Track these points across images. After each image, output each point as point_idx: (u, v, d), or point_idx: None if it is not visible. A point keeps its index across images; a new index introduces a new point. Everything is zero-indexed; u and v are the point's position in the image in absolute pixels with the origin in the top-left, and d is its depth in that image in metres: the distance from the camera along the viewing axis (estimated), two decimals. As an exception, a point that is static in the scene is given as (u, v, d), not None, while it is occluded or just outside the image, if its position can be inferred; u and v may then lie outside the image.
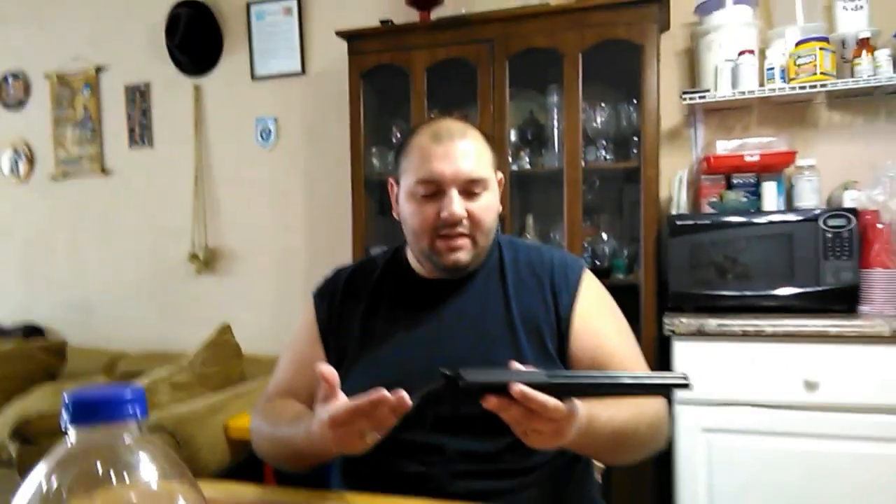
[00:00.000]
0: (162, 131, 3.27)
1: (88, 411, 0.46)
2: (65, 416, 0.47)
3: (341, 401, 0.86)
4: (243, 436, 2.26)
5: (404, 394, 0.81)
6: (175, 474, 0.50)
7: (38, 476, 0.47)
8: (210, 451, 2.15)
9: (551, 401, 0.77)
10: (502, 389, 0.77)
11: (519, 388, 0.76)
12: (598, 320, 1.12)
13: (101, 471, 0.46)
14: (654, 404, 1.03)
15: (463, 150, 1.07)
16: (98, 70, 3.34)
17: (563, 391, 0.79)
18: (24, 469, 1.96)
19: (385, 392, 0.81)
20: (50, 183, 3.46)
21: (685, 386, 0.81)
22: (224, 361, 2.54)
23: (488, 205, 1.10)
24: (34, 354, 2.99)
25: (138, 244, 3.32)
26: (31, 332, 3.40)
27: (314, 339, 1.18)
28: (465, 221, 1.07)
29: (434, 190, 1.08)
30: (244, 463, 2.28)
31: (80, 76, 3.37)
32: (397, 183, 1.15)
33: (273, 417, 1.10)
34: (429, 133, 1.10)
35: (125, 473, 0.47)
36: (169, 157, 3.24)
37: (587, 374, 0.93)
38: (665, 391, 0.86)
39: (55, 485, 0.46)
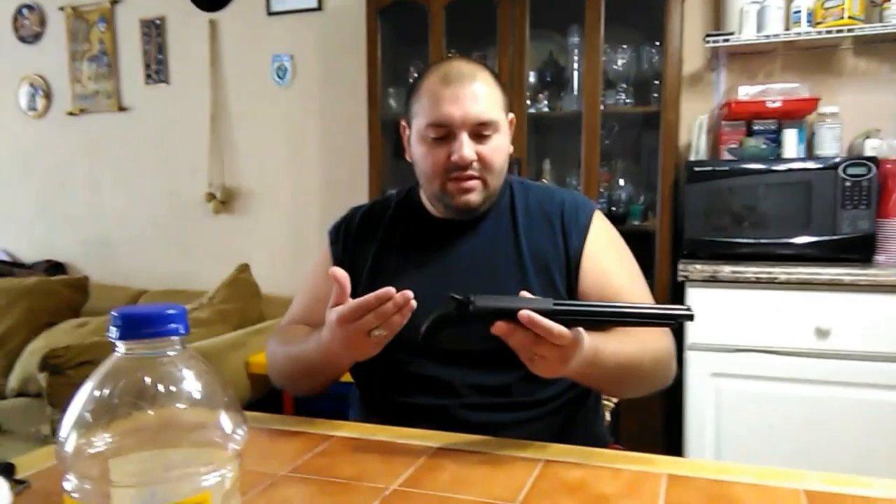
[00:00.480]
0: (178, 68, 3.25)
1: (135, 326, 0.49)
2: (113, 331, 0.50)
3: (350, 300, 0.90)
4: (263, 371, 2.33)
5: (409, 293, 0.85)
6: (216, 389, 0.53)
7: (91, 385, 0.50)
8: (231, 385, 2.22)
9: (557, 326, 0.80)
10: (510, 315, 0.80)
11: (526, 313, 0.79)
12: (606, 259, 1.13)
13: (148, 382, 0.50)
14: (660, 340, 1.04)
15: (472, 93, 1.07)
16: (113, 3, 3.31)
17: (568, 319, 0.81)
18: (53, 399, 2.05)
19: (390, 288, 0.85)
20: (67, 118, 3.47)
21: (689, 317, 0.83)
22: (243, 300, 2.60)
23: (498, 146, 1.11)
24: (57, 290, 3.05)
25: (156, 183, 3.35)
26: (53, 267, 3.48)
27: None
28: (475, 164, 1.08)
29: (444, 133, 1.08)
30: (264, 398, 2.36)
31: (94, 9, 3.34)
32: (409, 125, 1.16)
33: (288, 338, 1.14)
34: (439, 75, 1.10)
35: (171, 386, 0.51)
36: (185, 95, 3.23)
37: (592, 303, 0.95)
38: (669, 322, 0.87)
39: (106, 392, 0.50)
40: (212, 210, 3.19)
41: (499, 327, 0.81)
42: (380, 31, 2.49)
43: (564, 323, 0.81)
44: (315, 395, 1.13)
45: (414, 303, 0.86)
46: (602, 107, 2.27)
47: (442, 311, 0.86)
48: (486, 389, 1.07)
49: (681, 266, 1.95)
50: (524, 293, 0.85)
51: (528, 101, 2.37)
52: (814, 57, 2.28)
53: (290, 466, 0.85)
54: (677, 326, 0.92)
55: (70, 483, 0.49)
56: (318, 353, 0.99)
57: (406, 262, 1.16)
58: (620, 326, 0.96)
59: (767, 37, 2.12)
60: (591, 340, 0.87)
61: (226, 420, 0.53)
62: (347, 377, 1.21)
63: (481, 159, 1.09)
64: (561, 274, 1.12)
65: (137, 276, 3.36)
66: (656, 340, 1.03)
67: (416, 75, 2.59)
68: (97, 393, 0.49)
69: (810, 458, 1.83)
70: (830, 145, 2.12)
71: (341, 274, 0.92)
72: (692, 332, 1.93)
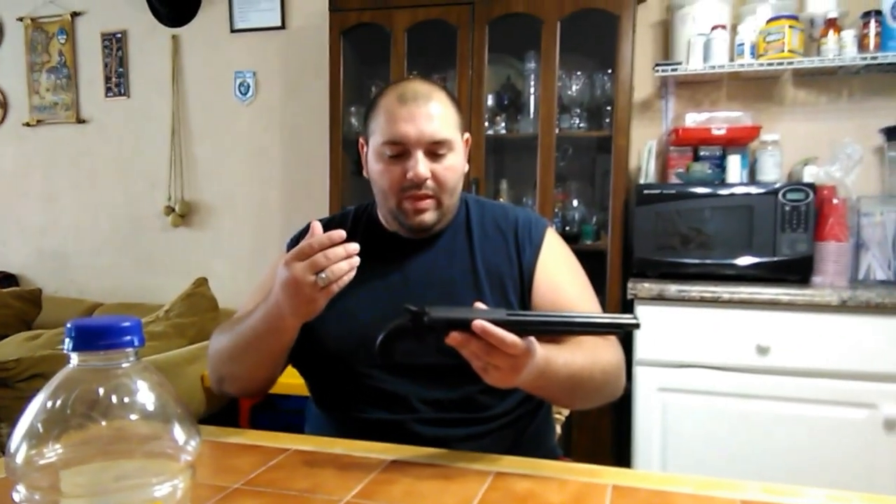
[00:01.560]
0: (139, 81, 3.23)
1: (90, 338, 0.50)
2: (67, 342, 0.51)
3: None
4: (218, 385, 2.31)
5: (342, 232, 0.90)
6: (169, 401, 0.55)
7: (43, 396, 0.51)
8: (186, 399, 2.19)
9: (509, 336, 0.82)
10: (464, 325, 0.82)
11: (480, 323, 0.81)
12: (558, 274, 1.16)
13: (101, 393, 0.51)
14: (610, 353, 1.07)
15: (428, 112, 1.09)
16: (74, 15, 3.27)
17: (521, 328, 0.84)
18: (2, 412, 2.00)
19: (341, 231, 0.90)
20: (23, 129, 3.41)
21: (636, 326, 0.86)
22: (200, 313, 2.58)
23: (452, 165, 1.12)
24: (9, 302, 2.98)
25: (114, 195, 3.31)
26: (5, 279, 3.39)
27: None
28: (429, 182, 1.10)
29: (400, 151, 1.10)
30: (220, 413, 2.34)
31: (55, 21, 3.30)
32: (367, 142, 1.18)
33: (232, 323, 1.13)
34: (395, 94, 1.12)
35: (124, 397, 0.52)
36: (146, 109, 3.21)
37: (544, 313, 0.98)
38: (617, 331, 0.90)
39: (58, 404, 0.51)
40: (170, 223, 3.16)
41: (453, 338, 0.83)
42: (342, 51, 2.52)
43: (517, 333, 0.83)
44: (256, 390, 1.13)
45: (356, 259, 0.91)
46: (557, 130, 2.33)
47: (397, 323, 0.87)
48: (441, 404, 1.09)
49: (630, 284, 2.01)
50: (478, 304, 0.87)
51: (487, 123, 2.43)
52: (757, 87, 2.39)
53: (244, 479, 0.86)
54: (623, 334, 0.95)
55: (19, 494, 0.49)
56: (264, 317, 0.99)
57: (364, 277, 1.16)
58: (571, 335, 0.98)
59: (713, 67, 2.22)
60: (543, 351, 0.89)
61: (178, 432, 0.54)
62: (304, 391, 1.22)
63: (435, 178, 1.11)
64: (515, 288, 1.14)
65: (93, 289, 3.30)
66: (606, 353, 1.06)
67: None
68: (49, 404, 0.50)
69: (750, 468, 1.90)
70: (771, 171, 2.22)
71: (317, 227, 0.94)
72: (640, 347, 1.99)
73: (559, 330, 0.90)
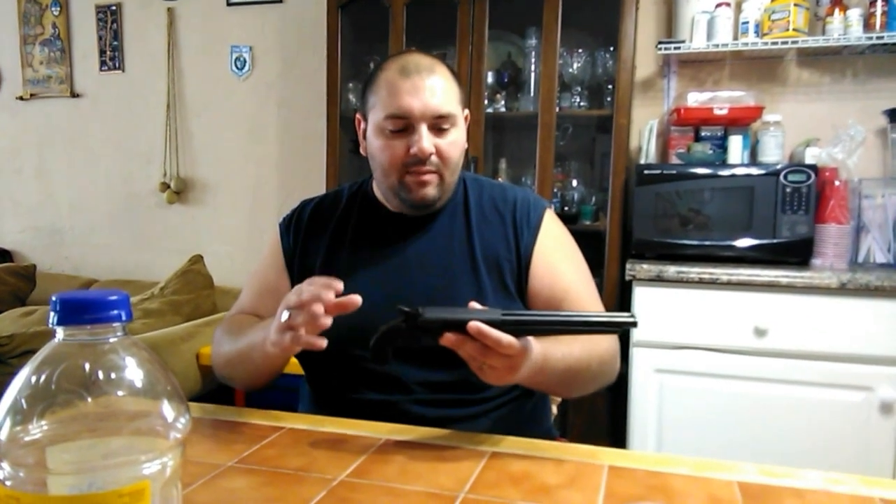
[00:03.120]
0: (134, 55, 3.19)
1: (75, 311, 0.49)
2: (52, 316, 0.50)
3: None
4: (214, 363, 2.31)
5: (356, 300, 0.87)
6: (158, 377, 0.54)
7: (28, 371, 0.50)
8: (181, 377, 2.20)
9: (505, 337, 0.81)
10: (459, 326, 0.81)
11: (475, 324, 0.80)
12: (555, 258, 1.15)
13: (88, 368, 0.50)
14: (606, 341, 1.06)
15: (431, 85, 1.07)
16: (67, -13, 3.23)
17: (516, 329, 0.82)
18: (-5, 387, 1.99)
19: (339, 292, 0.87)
20: (16, 103, 3.37)
21: (633, 325, 0.85)
22: (195, 291, 2.57)
23: (455, 141, 1.10)
24: (3, 278, 2.97)
25: (108, 171, 3.28)
26: (-1, 255, 3.38)
27: (280, 268, 1.21)
28: (433, 158, 1.08)
29: (403, 125, 1.08)
30: (215, 391, 2.34)
31: (47, -7, 3.25)
32: (365, 119, 1.15)
33: (235, 328, 1.13)
34: (396, 67, 1.09)
35: (112, 373, 0.51)
36: (141, 83, 3.17)
37: (540, 313, 0.97)
38: (614, 329, 0.89)
39: (43, 379, 0.49)
40: (165, 200, 3.14)
41: (448, 338, 0.82)
42: (340, 26, 2.48)
43: (513, 332, 0.82)
44: (256, 389, 1.12)
45: (358, 299, 0.87)
46: (557, 109, 2.31)
47: (391, 324, 0.85)
48: (437, 385, 1.08)
49: (629, 265, 2.00)
50: (473, 304, 0.86)
51: (486, 101, 2.40)
52: (760, 66, 2.37)
53: (237, 457, 0.85)
54: (621, 333, 0.94)
55: (3, 471, 0.48)
56: (255, 345, 0.99)
57: (359, 258, 1.15)
58: (567, 334, 0.97)
59: (717, 46, 2.19)
60: (539, 347, 0.88)
61: (168, 408, 0.52)
62: (298, 369, 1.21)
63: (439, 153, 1.08)
64: (511, 272, 1.13)
65: (87, 265, 3.29)
66: (603, 342, 1.05)
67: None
68: (34, 379, 0.49)
69: (746, 450, 1.90)
70: (773, 152, 2.20)
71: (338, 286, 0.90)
72: (638, 329, 1.98)
73: (555, 330, 0.88)
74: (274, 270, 1.21)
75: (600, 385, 1.09)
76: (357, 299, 0.88)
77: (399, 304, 0.85)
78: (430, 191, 1.11)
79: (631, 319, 0.85)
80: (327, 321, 0.87)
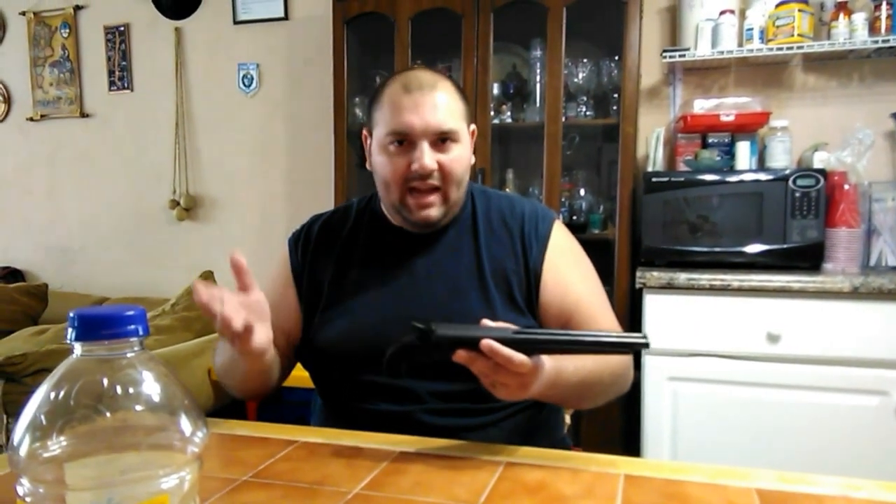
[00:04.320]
0: (142, 75, 3.22)
1: (93, 327, 0.49)
2: (70, 332, 0.50)
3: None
4: (226, 378, 2.31)
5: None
6: (175, 391, 0.54)
7: (46, 388, 0.50)
8: (194, 392, 2.19)
9: (517, 355, 0.81)
10: (472, 343, 0.81)
11: (487, 342, 0.80)
12: (565, 270, 1.14)
13: (106, 384, 0.50)
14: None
15: (433, 102, 1.07)
16: (76, 9, 3.27)
17: (528, 347, 0.83)
18: (10, 407, 2.00)
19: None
20: (27, 124, 3.41)
21: (645, 346, 0.85)
22: (206, 307, 2.57)
23: (459, 157, 1.10)
24: (15, 297, 2.99)
25: (118, 189, 3.31)
26: (11, 274, 3.40)
27: (287, 283, 1.20)
28: (435, 174, 1.08)
29: (405, 141, 1.08)
30: (228, 406, 2.34)
31: (57, 15, 3.29)
32: (370, 134, 1.15)
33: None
34: (399, 84, 1.09)
35: (129, 388, 0.51)
36: (149, 102, 3.21)
37: (551, 332, 0.97)
38: (625, 350, 0.89)
39: (62, 395, 0.50)
40: (175, 217, 3.16)
41: (460, 355, 0.82)
42: (346, 41, 2.50)
43: (524, 350, 0.82)
44: (252, 396, 1.13)
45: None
46: (563, 118, 2.31)
47: (404, 340, 0.86)
48: (449, 395, 1.08)
49: (639, 273, 1.99)
50: (485, 321, 0.86)
51: (492, 112, 2.41)
52: (766, 72, 2.37)
53: (252, 471, 0.85)
54: (632, 353, 0.93)
55: (23, 487, 0.48)
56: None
57: (368, 274, 1.15)
58: (579, 354, 0.96)
59: (721, 53, 2.19)
60: (552, 362, 0.88)
61: (185, 422, 0.53)
62: (309, 383, 1.21)
63: (441, 169, 1.08)
64: (520, 286, 1.12)
65: (98, 284, 3.31)
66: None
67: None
68: (52, 395, 0.49)
69: (762, 457, 1.89)
70: (781, 158, 2.19)
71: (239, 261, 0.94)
72: (650, 337, 1.97)
73: (566, 349, 0.88)
74: (281, 285, 1.21)
75: (613, 396, 1.08)
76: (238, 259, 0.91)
77: (408, 319, 0.85)
78: (433, 212, 1.10)
79: (643, 340, 0.85)
80: (238, 318, 0.89)
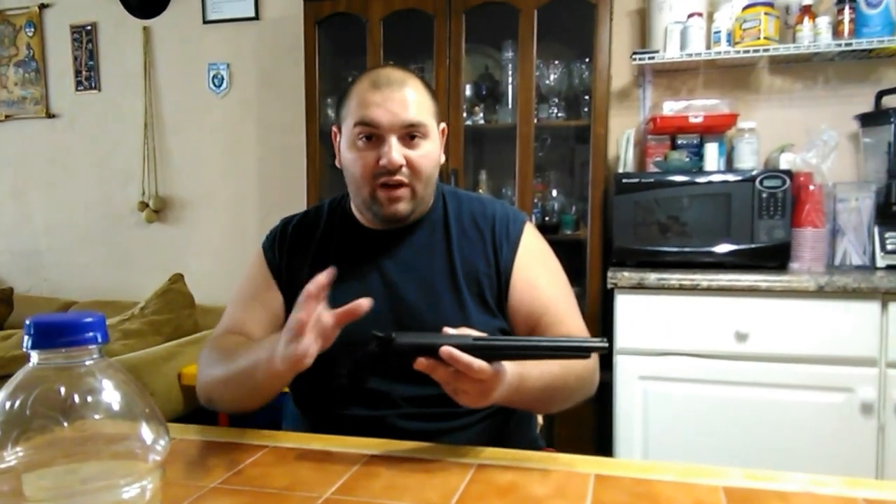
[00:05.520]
0: (110, 75, 3.17)
1: (50, 335, 0.48)
2: (26, 340, 0.49)
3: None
4: (196, 383, 2.28)
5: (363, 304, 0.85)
6: (136, 399, 0.53)
7: (2, 396, 0.49)
8: (163, 398, 2.17)
9: (476, 362, 0.81)
10: (432, 351, 0.82)
11: (447, 349, 0.81)
12: (535, 273, 1.15)
13: (63, 392, 0.49)
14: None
15: (402, 97, 1.07)
16: (42, 7, 3.20)
17: (488, 354, 0.84)
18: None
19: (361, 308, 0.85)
20: (-10, 125, 3.34)
21: (604, 349, 0.86)
22: (176, 310, 2.54)
23: (427, 153, 1.10)
24: (-22, 302, 2.92)
25: (86, 191, 3.25)
26: (-26, 279, 3.33)
27: (267, 279, 1.19)
28: (403, 169, 1.08)
29: (372, 134, 1.08)
30: (198, 411, 2.31)
31: (22, 13, 3.23)
32: (339, 131, 1.16)
33: (226, 350, 1.08)
34: (368, 81, 1.09)
35: (88, 397, 0.50)
36: (117, 102, 3.15)
37: (511, 339, 0.98)
38: (584, 354, 0.89)
39: (17, 404, 0.49)
40: (144, 219, 3.11)
41: (421, 363, 0.83)
42: (318, 41, 2.49)
43: (485, 357, 0.83)
44: (248, 411, 1.08)
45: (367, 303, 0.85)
46: (536, 120, 2.33)
47: (364, 350, 0.87)
48: (423, 400, 1.07)
49: (610, 273, 2.01)
50: (446, 329, 0.86)
51: (465, 114, 2.41)
52: (733, 75, 2.41)
53: (221, 478, 0.84)
54: (588, 357, 0.93)
55: (-22, 500, 0.48)
56: (265, 363, 0.92)
57: (342, 275, 1.15)
58: (539, 359, 0.96)
59: (690, 55, 2.22)
60: (515, 368, 0.89)
61: (146, 431, 0.52)
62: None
63: (410, 164, 1.08)
64: (491, 287, 1.13)
65: (66, 287, 3.25)
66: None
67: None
68: (8, 405, 0.48)
69: (732, 454, 1.91)
70: (748, 159, 2.23)
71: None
72: (620, 336, 2.00)
73: (526, 355, 0.88)
74: (262, 281, 1.19)
75: (579, 400, 1.08)
76: (364, 304, 0.85)
77: (382, 322, 0.86)
78: (402, 206, 1.10)
79: (601, 344, 0.86)
80: (333, 333, 0.86)
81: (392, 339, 0.84)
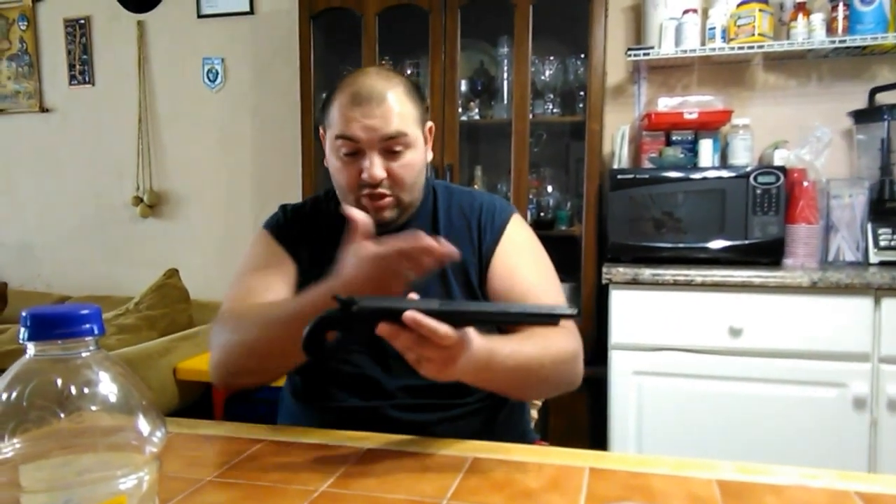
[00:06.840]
0: (104, 69, 3.15)
1: (46, 326, 0.48)
2: (23, 331, 0.49)
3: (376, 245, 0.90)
4: (192, 377, 2.29)
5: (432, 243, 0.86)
6: (132, 391, 0.53)
7: (-1, 388, 0.49)
8: (159, 392, 2.17)
9: (442, 326, 0.78)
10: (395, 316, 0.77)
11: (411, 313, 0.77)
12: (517, 260, 1.14)
13: (60, 384, 0.49)
14: (564, 341, 1.02)
15: (382, 112, 1.06)
16: (35, 1, 3.18)
17: (455, 319, 0.80)
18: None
19: (431, 243, 0.86)
20: (-17, 119, 3.32)
21: (571, 316, 0.84)
22: (171, 305, 2.54)
23: (410, 162, 1.09)
24: (-29, 297, 2.91)
25: (80, 186, 3.24)
26: (-32, 274, 3.31)
27: (279, 253, 1.17)
28: (385, 182, 1.08)
29: (354, 149, 1.08)
30: (193, 405, 2.31)
31: (15, 7, 3.21)
32: (325, 132, 1.15)
33: (250, 313, 1.05)
34: (349, 93, 1.08)
35: (85, 388, 0.50)
36: (111, 96, 3.14)
37: (478, 303, 0.94)
38: (553, 320, 0.86)
39: (14, 396, 0.49)
40: (139, 214, 3.11)
41: (383, 329, 0.79)
42: (312, 36, 2.48)
43: (451, 323, 0.79)
44: (273, 380, 1.07)
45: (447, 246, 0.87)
46: (531, 116, 2.33)
47: (325, 312, 0.82)
48: (417, 390, 1.08)
49: (605, 269, 2.02)
50: (412, 294, 0.84)
51: (460, 109, 2.41)
52: (728, 71, 2.41)
53: (216, 472, 0.84)
54: (557, 324, 0.92)
55: (-25, 491, 0.47)
56: (305, 311, 0.90)
57: (333, 267, 1.15)
58: (505, 324, 0.95)
59: (685, 51, 2.23)
60: (485, 343, 0.86)
61: (143, 422, 0.52)
62: (278, 381, 1.20)
63: (392, 176, 1.08)
64: (476, 274, 1.13)
65: (60, 282, 3.24)
66: (560, 341, 1.01)
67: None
68: (5, 397, 0.48)
69: (726, 448, 1.92)
70: (742, 155, 2.24)
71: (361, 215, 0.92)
72: (615, 331, 2.00)
73: (492, 320, 0.87)
74: (272, 255, 1.17)
75: (560, 387, 1.06)
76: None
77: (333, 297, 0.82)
78: (387, 213, 1.10)
79: (569, 311, 0.84)
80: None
81: (354, 302, 0.80)
